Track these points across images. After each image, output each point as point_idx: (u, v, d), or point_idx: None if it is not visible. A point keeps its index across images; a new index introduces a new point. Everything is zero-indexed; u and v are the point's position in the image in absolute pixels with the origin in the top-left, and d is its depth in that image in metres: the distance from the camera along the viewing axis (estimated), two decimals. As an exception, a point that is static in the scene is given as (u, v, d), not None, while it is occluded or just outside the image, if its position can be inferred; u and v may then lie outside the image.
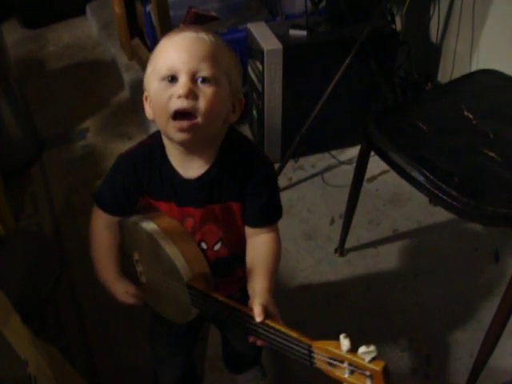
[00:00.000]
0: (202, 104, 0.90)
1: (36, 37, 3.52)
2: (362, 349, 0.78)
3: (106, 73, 3.09)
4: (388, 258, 1.88)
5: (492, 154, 1.36)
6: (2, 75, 2.24)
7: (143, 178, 1.04)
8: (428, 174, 1.32)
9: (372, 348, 0.77)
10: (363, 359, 0.78)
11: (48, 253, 2.00)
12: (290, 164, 2.22)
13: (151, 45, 2.69)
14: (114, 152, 2.43)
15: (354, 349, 0.79)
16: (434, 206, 1.99)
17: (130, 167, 1.05)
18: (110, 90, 2.93)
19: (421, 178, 1.33)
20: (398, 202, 2.08)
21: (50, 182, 2.34)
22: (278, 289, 1.71)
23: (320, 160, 2.28)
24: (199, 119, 0.90)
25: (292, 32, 2.03)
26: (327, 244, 1.92)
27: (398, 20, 2.29)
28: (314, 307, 1.73)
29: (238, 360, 1.51)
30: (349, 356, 0.79)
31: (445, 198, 1.29)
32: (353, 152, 2.23)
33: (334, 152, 2.29)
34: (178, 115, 0.90)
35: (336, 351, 0.81)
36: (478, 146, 1.39)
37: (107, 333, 1.72)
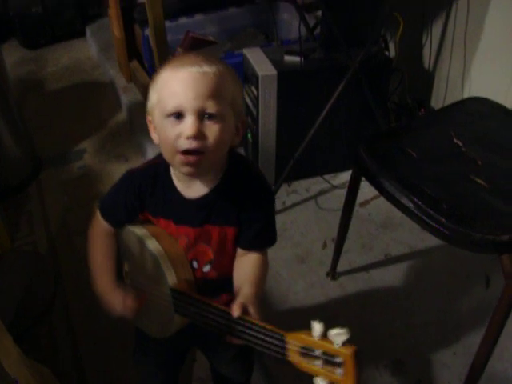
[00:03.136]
0: (209, 143, 0.93)
1: (36, 57, 3.56)
2: (334, 330, 0.79)
3: (104, 94, 3.12)
4: (380, 282, 1.89)
5: (480, 181, 1.38)
6: (1, 95, 2.27)
7: (145, 197, 1.07)
8: (417, 201, 1.34)
9: (344, 330, 0.79)
10: (334, 343, 0.79)
11: (43, 272, 2.00)
12: (284, 188, 2.24)
13: (149, 68, 2.72)
14: (111, 173, 2.46)
15: (326, 334, 0.81)
16: (426, 231, 2.00)
17: (134, 187, 1.08)
18: (108, 111, 2.97)
19: (410, 205, 1.35)
20: (390, 226, 2.09)
21: (46, 201, 2.36)
22: (270, 312, 1.73)
23: (313, 184, 2.30)
24: (206, 155, 0.94)
25: (287, 58, 2.06)
26: (319, 268, 1.92)
27: (391, 47, 2.32)
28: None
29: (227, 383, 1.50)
30: (320, 341, 0.81)
31: (433, 224, 1.31)
32: (346, 176, 2.23)
33: (327, 176, 2.31)
34: (186, 152, 0.93)
35: (308, 338, 0.82)
36: (467, 173, 1.42)
37: (100, 352, 1.72)
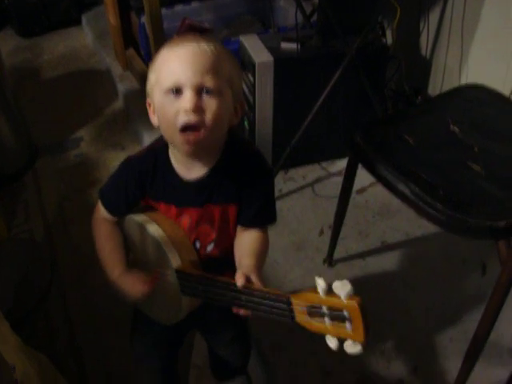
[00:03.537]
0: (207, 118, 0.94)
1: (31, 46, 3.53)
2: (336, 283, 0.80)
3: (100, 82, 3.10)
4: (376, 269, 1.89)
5: (477, 168, 1.38)
6: (-3, 84, 2.26)
7: (146, 183, 1.08)
8: (413, 187, 1.34)
9: (345, 281, 0.80)
10: (339, 297, 0.80)
11: (39, 260, 2.00)
12: (281, 175, 2.24)
13: (145, 55, 2.71)
14: (107, 162, 2.45)
15: (330, 289, 0.81)
16: (422, 218, 2.00)
17: (133, 174, 1.08)
18: (105, 99, 2.95)
19: (406, 191, 1.35)
20: (387, 213, 2.09)
21: (42, 190, 2.35)
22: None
23: (310, 171, 2.29)
24: (205, 131, 0.94)
25: (283, 45, 2.05)
26: (316, 255, 1.93)
27: (388, 33, 2.31)
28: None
29: (224, 367, 1.51)
30: (325, 298, 0.81)
31: (430, 210, 1.31)
32: (343, 164, 2.20)
33: (324, 163, 2.30)
34: (185, 128, 0.94)
35: (313, 296, 0.83)
36: (463, 160, 1.42)
37: (98, 340, 1.73)
